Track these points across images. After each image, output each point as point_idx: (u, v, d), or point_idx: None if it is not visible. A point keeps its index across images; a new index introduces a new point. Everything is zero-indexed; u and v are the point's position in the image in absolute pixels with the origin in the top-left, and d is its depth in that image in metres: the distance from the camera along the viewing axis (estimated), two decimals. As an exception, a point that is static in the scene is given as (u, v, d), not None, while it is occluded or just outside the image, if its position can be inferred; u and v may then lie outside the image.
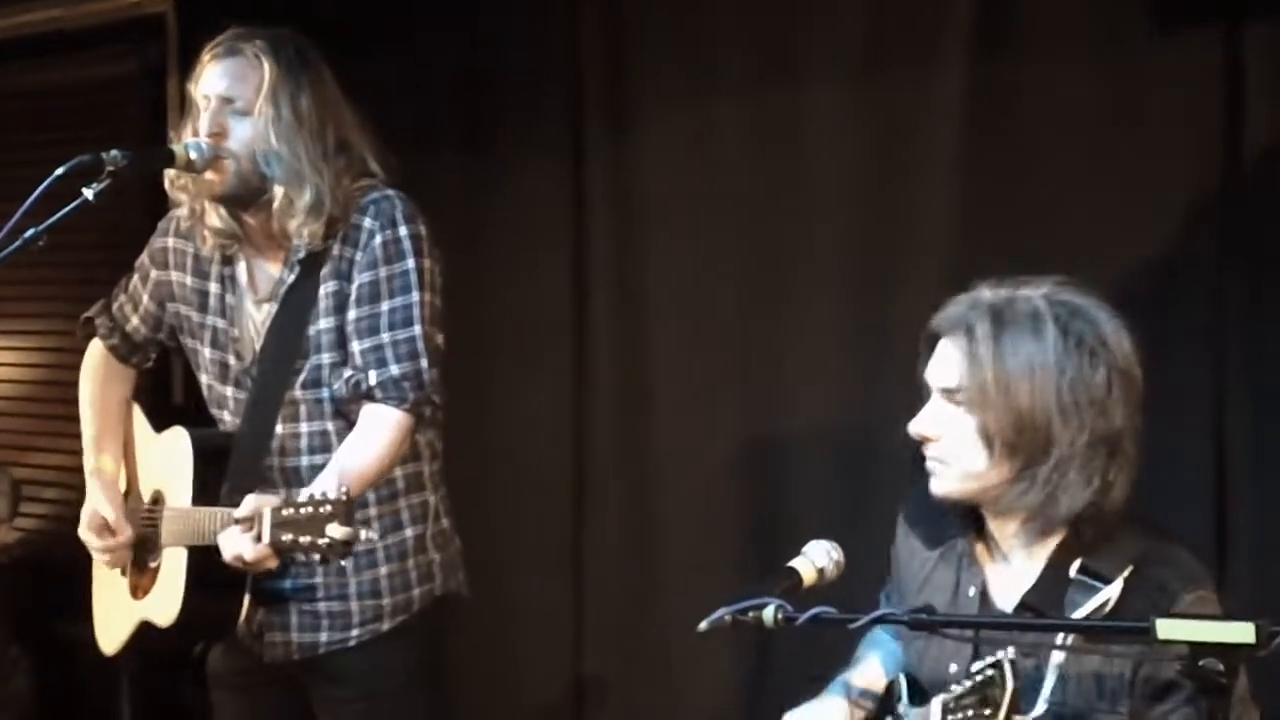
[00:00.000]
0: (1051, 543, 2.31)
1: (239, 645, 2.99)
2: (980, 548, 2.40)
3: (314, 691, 3.02)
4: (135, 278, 3.11)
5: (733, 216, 3.71)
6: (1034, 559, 2.33)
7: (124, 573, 3.10)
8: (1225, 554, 3.07)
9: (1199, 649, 1.91)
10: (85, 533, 3.05)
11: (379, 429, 2.80)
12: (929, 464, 2.35)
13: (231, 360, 2.94)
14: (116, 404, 3.15)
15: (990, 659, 2.10)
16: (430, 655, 3.05)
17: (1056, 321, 2.25)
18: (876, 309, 3.47)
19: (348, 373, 2.83)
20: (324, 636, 2.96)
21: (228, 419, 2.98)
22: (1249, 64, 3.06)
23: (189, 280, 3.00)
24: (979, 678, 2.10)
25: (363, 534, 2.57)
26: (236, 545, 2.61)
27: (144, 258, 3.09)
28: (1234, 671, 1.92)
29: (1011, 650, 2.09)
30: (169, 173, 2.90)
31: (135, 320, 3.10)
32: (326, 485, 2.59)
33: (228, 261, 2.95)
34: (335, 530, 2.50)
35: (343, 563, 2.77)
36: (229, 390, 2.95)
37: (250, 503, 2.62)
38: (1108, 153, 3.20)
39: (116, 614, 3.10)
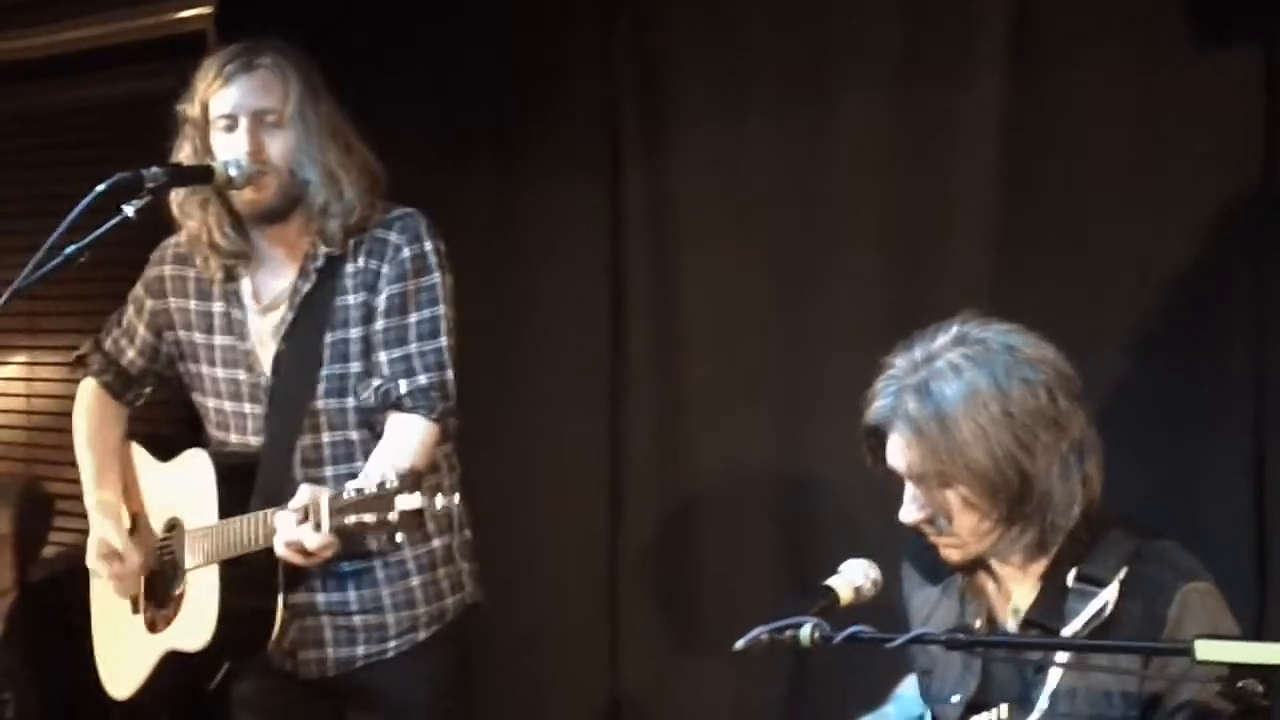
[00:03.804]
0: (1046, 557, 2.31)
1: (269, 665, 2.99)
2: (980, 575, 2.40)
3: (350, 706, 3.03)
4: (130, 311, 3.12)
5: (769, 228, 3.70)
6: (1031, 576, 2.34)
7: (136, 610, 3.08)
8: (1265, 571, 3.04)
9: (1238, 670, 1.89)
10: (95, 562, 3.05)
11: (410, 435, 2.84)
12: (940, 547, 2.35)
13: (242, 375, 2.96)
14: (114, 442, 3.16)
15: (987, 718, 2.11)
16: (463, 664, 3.09)
17: (981, 368, 2.24)
18: (914, 318, 3.39)
19: (376, 382, 2.87)
20: (361, 650, 2.97)
21: (234, 440, 2.99)
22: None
23: (191, 304, 3.02)
24: None
25: (438, 501, 2.53)
26: (294, 535, 2.62)
27: (138, 289, 3.11)
28: (1274, 692, 1.90)
29: (1004, 709, 2.10)
30: (175, 195, 2.92)
31: (132, 353, 3.12)
32: (319, 488, 2.62)
33: (231, 279, 2.97)
34: (405, 502, 2.50)
35: (386, 564, 2.88)
36: (246, 406, 2.96)
37: (305, 493, 2.64)
38: (1145, 162, 3.18)
39: (132, 654, 3.08)
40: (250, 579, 2.79)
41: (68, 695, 4.52)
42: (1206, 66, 3.10)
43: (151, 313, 3.08)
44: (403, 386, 2.85)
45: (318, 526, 2.59)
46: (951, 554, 2.34)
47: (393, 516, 2.50)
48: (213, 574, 2.86)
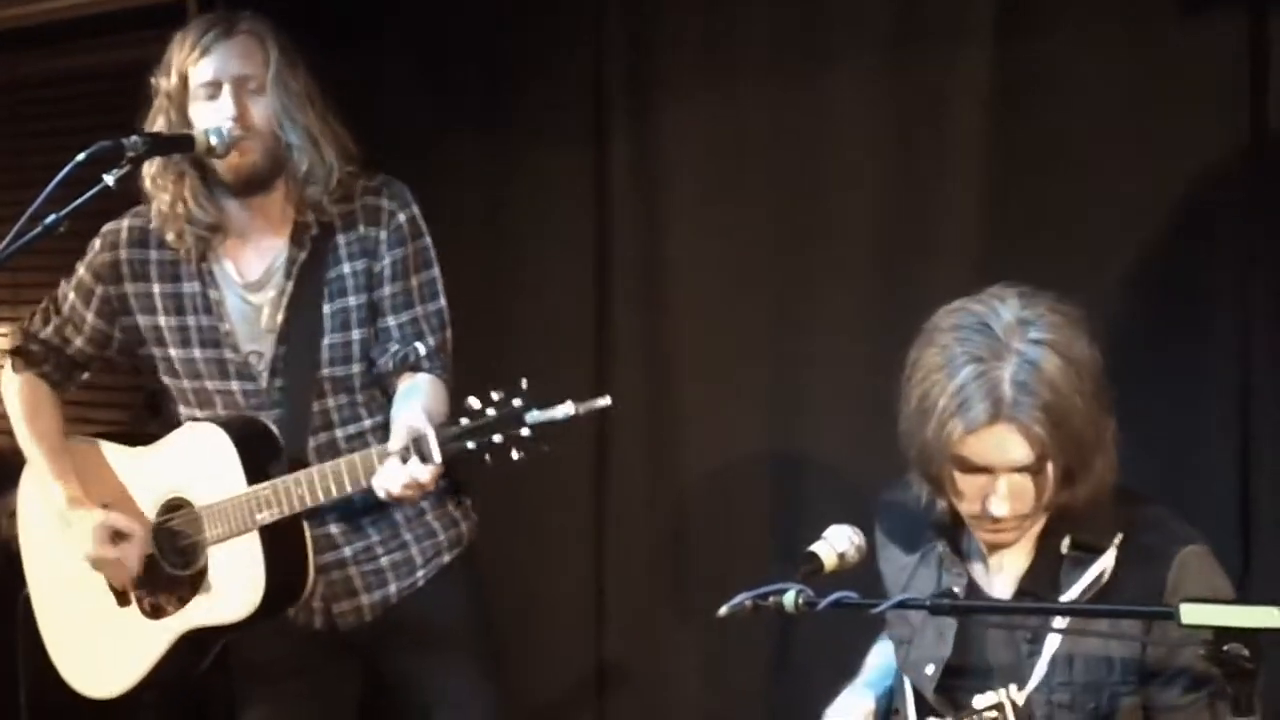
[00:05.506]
0: (1037, 526, 2.31)
1: (286, 628, 3.00)
2: (962, 545, 2.39)
3: (387, 650, 3.07)
4: (72, 298, 3.05)
5: (757, 199, 3.69)
6: (1022, 545, 2.33)
7: (125, 602, 3.02)
8: (1249, 536, 3.06)
9: (1224, 633, 1.89)
10: (100, 548, 2.95)
11: (433, 391, 2.87)
12: (1002, 531, 2.29)
13: (228, 354, 2.94)
14: (59, 433, 3.09)
15: (993, 699, 2.11)
16: (480, 592, 3.16)
17: (1063, 340, 2.22)
18: (904, 291, 3.44)
19: (394, 348, 2.92)
20: (393, 588, 3.03)
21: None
22: (1274, 44, 3.02)
23: (156, 287, 2.99)
24: (981, 717, 2.11)
25: (582, 408, 2.52)
26: (409, 474, 2.61)
27: (84, 275, 3.03)
28: (1259, 656, 1.90)
29: (1014, 688, 2.10)
30: (149, 169, 2.88)
31: (79, 341, 3.06)
32: (414, 420, 2.62)
33: (205, 258, 2.95)
34: (541, 415, 2.51)
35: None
36: (233, 384, 2.95)
37: (402, 434, 2.63)
38: (1135, 134, 3.17)
39: (126, 648, 3.01)
40: (284, 538, 2.82)
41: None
42: (1193, 36, 3.09)
43: (102, 299, 3.02)
44: (420, 349, 2.91)
45: (424, 458, 2.59)
46: (1009, 536, 2.29)
47: (524, 432, 2.52)
48: (251, 540, 2.83)
